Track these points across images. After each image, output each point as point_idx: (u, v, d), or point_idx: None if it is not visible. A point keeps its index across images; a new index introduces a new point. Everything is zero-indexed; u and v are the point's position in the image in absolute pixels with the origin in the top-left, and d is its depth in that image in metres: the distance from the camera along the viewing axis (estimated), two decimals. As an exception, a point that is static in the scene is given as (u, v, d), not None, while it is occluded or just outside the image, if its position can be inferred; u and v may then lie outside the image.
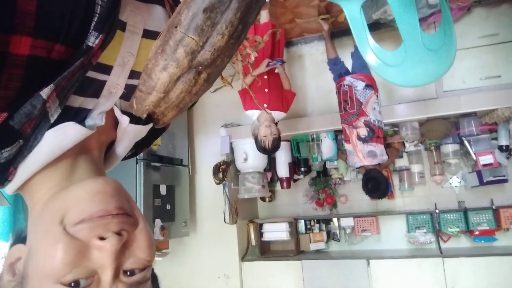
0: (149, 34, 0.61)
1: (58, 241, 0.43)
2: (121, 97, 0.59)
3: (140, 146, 0.70)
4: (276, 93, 2.74)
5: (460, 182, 3.26)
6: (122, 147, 0.63)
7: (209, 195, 3.43)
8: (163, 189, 3.01)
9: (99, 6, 0.49)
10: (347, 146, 2.72)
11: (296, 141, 3.42)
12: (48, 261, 0.43)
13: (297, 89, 3.62)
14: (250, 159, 3.29)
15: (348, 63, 2.92)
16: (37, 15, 0.44)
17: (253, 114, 2.70)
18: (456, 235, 3.11)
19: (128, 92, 0.60)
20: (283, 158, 3.44)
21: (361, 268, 2.97)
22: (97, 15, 0.49)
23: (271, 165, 3.55)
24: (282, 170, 3.44)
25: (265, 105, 2.59)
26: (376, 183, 2.51)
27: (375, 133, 2.57)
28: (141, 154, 2.86)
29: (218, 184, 3.29)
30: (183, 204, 3.27)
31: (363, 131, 2.57)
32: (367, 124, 2.59)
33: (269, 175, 3.56)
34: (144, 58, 0.60)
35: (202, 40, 0.50)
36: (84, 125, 0.51)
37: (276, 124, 2.66)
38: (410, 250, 3.20)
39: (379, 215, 3.36)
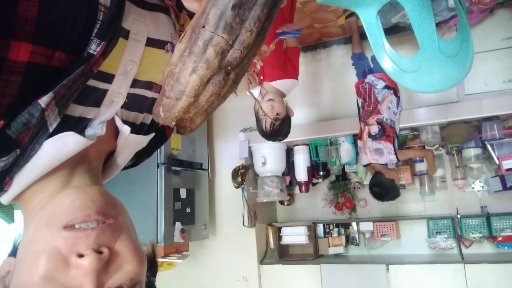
0: (153, 43, 0.60)
1: (42, 252, 0.42)
2: (122, 107, 0.58)
3: (140, 156, 0.68)
4: (278, 56, 2.08)
5: (482, 187, 3.19)
6: (122, 157, 0.61)
7: (228, 199, 3.48)
8: (183, 193, 3.07)
9: (102, 13, 0.48)
10: (359, 143, 2.74)
11: (315, 145, 3.43)
12: (28, 273, 0.42)
13: (315, 93, 3.64)
14: (269, 163, 3.31)
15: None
16: (38, 21, 0.42)
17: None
18: (478, 241, 3.04)
19: (130, 101, 0.58)
20: (301, 162, 3.45)
21: (380, 273, 2.94)
22: (100, 22, 0.48)
23: (290, 169, 3.57)
24: (301, 174, 3.44)
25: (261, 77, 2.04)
26: (381, 189, 2.51)
27: (385, 132, 2.57)
28: (162, 159, 2.93)
29: (237, 187, 3.33)
30: (202, 207, 3.32)
31: (374, 128, 2.58)
32: (380, 122, 2.59)
33: (287, 179, 3.58)
34: (147, 67, 0.59)
35: (231, 39, 0.48)
36: (84, 135, 0.50)
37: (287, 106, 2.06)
38: (430, 256, 3.16)
39: (399, 219, 3.32)
